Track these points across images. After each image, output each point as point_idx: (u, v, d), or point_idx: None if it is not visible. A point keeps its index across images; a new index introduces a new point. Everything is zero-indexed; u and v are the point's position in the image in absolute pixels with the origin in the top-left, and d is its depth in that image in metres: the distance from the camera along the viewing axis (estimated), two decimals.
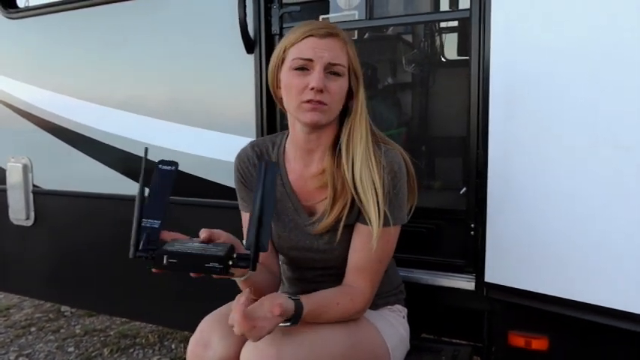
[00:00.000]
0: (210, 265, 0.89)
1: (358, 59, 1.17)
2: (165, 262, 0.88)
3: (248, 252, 0.93)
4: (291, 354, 1.01)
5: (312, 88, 1.09)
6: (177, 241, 0.95)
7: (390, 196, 1.15)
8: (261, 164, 0.96)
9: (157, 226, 0.93)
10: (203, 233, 0.98)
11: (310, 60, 1.10)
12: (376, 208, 1.12)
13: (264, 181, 0.94)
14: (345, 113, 1.19)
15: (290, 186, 1.25)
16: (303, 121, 1.15)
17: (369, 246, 1.13)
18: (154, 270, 0.90)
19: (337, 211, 1.17)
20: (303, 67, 1.11)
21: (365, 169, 1.13)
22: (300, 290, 1.33)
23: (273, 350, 1.00)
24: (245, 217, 1.26)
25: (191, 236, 0.99)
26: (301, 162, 1.24)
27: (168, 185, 0.95)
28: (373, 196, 1.12)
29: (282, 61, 1.15)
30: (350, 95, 1.17)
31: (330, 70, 1.11)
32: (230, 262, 0.91)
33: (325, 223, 1.18)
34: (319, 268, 1.27)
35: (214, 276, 0.91)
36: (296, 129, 1.20)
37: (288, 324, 1.02)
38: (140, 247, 0.90)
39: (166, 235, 0.96)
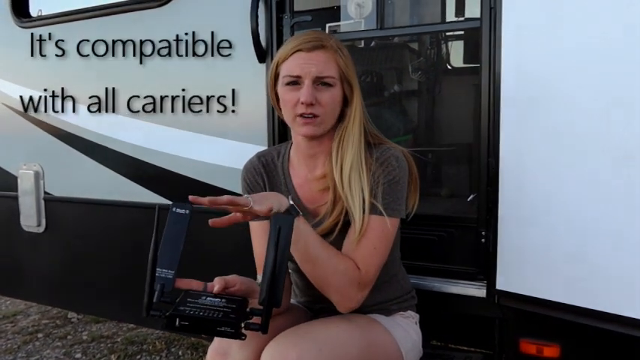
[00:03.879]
0: (222, 329, 0.89)
1: (352, 66, 1.19)
2: (177, 324, 0.89)
3: (261, 308, 0.91)
4: (311, 356, 1.02)
5: (303, 103, 1.14)
6: (191, 295, 0.94)
7: (384, 187, 1.17)
8: (275, 219, 0.93)
9: (170, 276, 0.91)
10: (217, 284, 0.98)
11: (299, 76, 1.15)
12: (361, 211, 1.14)
13: (278, 238, 0.91)
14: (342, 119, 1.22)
15: (295, 191, 1.28)
16: (299, 134, 1.20)
17: (355, 237, 1.14)
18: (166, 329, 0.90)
19: (337, 214, 1.20)
20: (294, 82, 1.16)
21: (354, 174, 1.16)
22: (311, 299, 1.34)
23: (294, 354, 1.01)
24: (253, 227, 1.26)
25: (205, 282, 0.98)
26: (305, 167, 1.27)
27: (183, 230, 0.91)
28: (360, 199, 1.14)
29: (277, 77, 1.20)
30: (346, 102, 1.21)
31: (320, 82, 1.15)
32: (242, 324, 0.91)
33: (325, 225, 1.21)
34: None
35: None
36: (298, 137, 1.25)
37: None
38: (154, 299, 0.89)
39: (181, 282, 0.95)
